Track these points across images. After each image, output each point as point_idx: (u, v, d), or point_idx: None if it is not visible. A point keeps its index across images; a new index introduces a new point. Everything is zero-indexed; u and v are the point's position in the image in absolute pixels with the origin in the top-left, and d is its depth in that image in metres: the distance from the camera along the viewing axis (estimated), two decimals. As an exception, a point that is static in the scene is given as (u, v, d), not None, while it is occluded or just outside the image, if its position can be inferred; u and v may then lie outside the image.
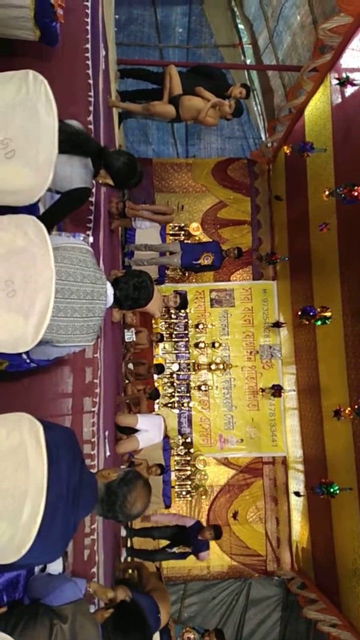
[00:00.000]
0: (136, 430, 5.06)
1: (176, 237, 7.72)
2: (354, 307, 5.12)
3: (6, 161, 1.89)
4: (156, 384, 7.63)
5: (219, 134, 8.51)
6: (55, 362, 2.46)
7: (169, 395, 7.66)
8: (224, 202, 8.17)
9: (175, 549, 5.66)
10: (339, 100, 5.44)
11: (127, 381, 6.54)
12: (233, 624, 7.29)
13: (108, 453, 4.19)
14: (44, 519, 1.52)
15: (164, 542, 6.20)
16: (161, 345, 7.77)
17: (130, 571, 5.65)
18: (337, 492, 5.22)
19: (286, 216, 7.41)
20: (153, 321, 7.71)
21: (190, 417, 7.72)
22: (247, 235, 8.14)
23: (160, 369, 7.19)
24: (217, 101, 5.34)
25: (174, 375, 7.75)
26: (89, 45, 3.70)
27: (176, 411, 7.70)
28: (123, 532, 6.15)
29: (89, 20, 3.73)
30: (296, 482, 7.19)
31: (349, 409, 5.04)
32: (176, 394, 7.71)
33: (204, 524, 7.10)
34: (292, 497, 7.22)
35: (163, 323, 7.85)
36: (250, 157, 8.28)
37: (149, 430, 5.10)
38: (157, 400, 7.36)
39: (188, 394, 7.74)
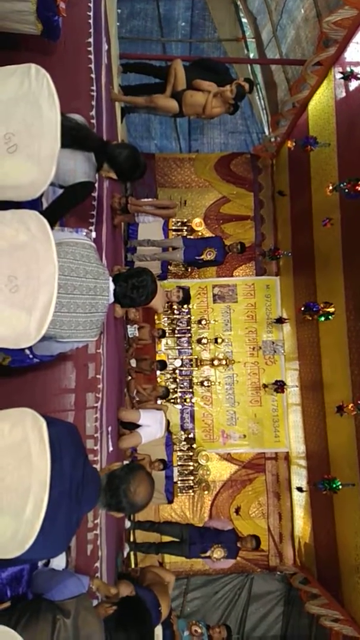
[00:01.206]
0: (138, 426, 5.07)
1: (179, 233, 7.70)
2: (357, 302, 5.10)
3: (9, 156, 1.88)
4: (159, 380, 7.64)
5: (222, 128, 8.47)
6: (58, 357, 2.46)
7: (171, 390, 7.66)
8: (227, 197, 8.14)
9: (209, 552, 5.66)
10: (343, 94, 5.41)
11: (129, 377, 6.54)
12: (235, 618, 7.32)
13: (111, 448, 4.20)
14: (47, 514, 1.52)
15: (166, 538, 6.21)
16: (164, 340, 7.77)
17: (133, 566, 5.67)
18: (340, 487, 5.23)
19: (289, 211, 7.38)
20: (156, 317, 7.71)
21: (193, 412, 7.73)
22: (250, 230, 8.12)
23: (162, 365, 7.19)
24: (218, 89, 5.30)
25: (177, 371, 7.75)
26: (91, 40, 3.68)
27: (179, 407, 7.71)
28: (127, 524, 6.14)
29: (91, 14, 3.71)
30: (299, 478, 7.20)
31: (352, 404, 5.03)
32: (179, 390, 7.72)
33: (206, 519, 7.15)
34: (295, 493, 7.23)
35: (166, 319, 7.84)
36: (254, 152, 8.24)
37: (151, 425, 5.11)
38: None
39: (191, 390, 7.74)
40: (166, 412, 5.85)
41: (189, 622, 5.32)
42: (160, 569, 4.93)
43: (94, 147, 2.41)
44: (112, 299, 2.24)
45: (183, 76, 5.29)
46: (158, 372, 7.57)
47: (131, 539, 6.43)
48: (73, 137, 2.26)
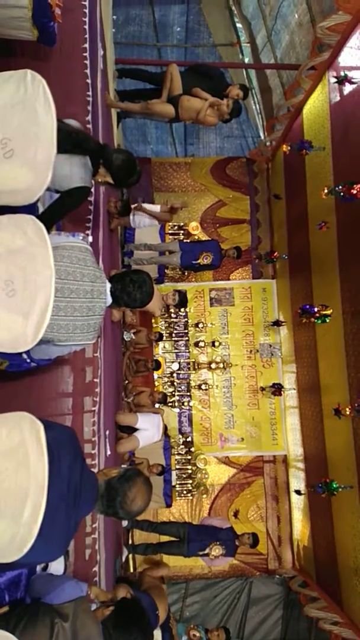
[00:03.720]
0: (136, 429, 5.07)
1: (175, 237, 7.73)
2: (353, 305, 5.12)
3: (5, 161, 1.89)
4: (156, 383, 7.63)
5: (218, 133, 8.51)
6: (56, 361, 2.47)
7: (169, 394, 7.66)
8: (223, 201, 8.17)
9: (207, 550, 5.67)
10: (338, 98, 5.44)
11: (126, 381, 6.54)
12: (235, 622, 7.29)
13: (109, 452, 4.19)
14: (45, 518, 1.52)
15: (165, 538, 6.19)
16: (161, 344, 7.77)
17: (131, 570, 5.65)
18: (338, 490, 5.23)
19: (285, 215, 7.41)
20: (153, 320, 7.71)
21: (191, 416, 7.72)
22: (246, 234, 8.14)
23: (157, 365, 7.18)
24: (215, 100, 5.34)
25: (174, 375, 7.75)
26: (87, 45, 3.69)
27: (176, 410, 7.70)
28: (124, 523, 6.11)
29: (86, 19, 3.73)
30: (297, 481, 7.20)
31: (349, 407, 5.04)
32: (176, 393, 7.71)
33: (205, 516, 7.15)
34: (293, 496, 7.22)
35: (163, 322, 7.85)
36: (249, 156, 8.28)
37: (149, 429, 5.11)
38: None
39: (188, 393, 7.74)
40: (163, 415, 5.84)
41: (187, 627, 5.31)
42: (154, 569, 4.91)
43: (92, 151, 2.43)
44: (109, 301, 2.24)
45: (179, 80, 5.32)
46: (155, 376, 7.57)
47: (129, 540, 6.40)
48: (73, 140, 2.27)
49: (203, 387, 7.71)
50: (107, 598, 2.91)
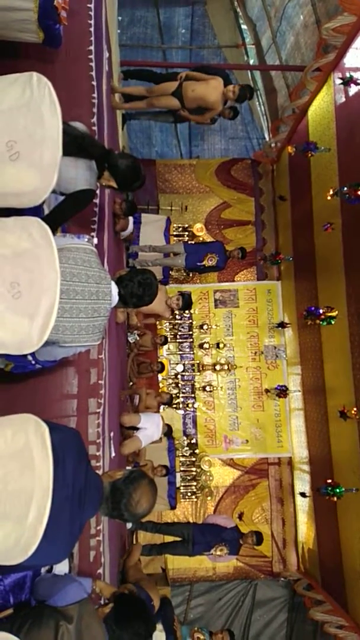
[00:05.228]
0: (138, 429, 5.09)
1: (180, 238, 7.72)
2: (359, 307, 5.10)
3: (11, 163, 1.90)
4: (161, 385, 7.62)
5: (223, 134, 8.52)
6: (60, 363, 2.47)
7: (174, 396, 7.65)
8: (227, 203, 8.17)
9: (212, 551, 5.70)
10: (343, 99, 5.43)
11: (131, 383, 6.53)
12: (239, 625, 7.26)
13: (113, 454, 4.19)
14: (50, 520, 1.52)
15: (169, 538, 6.19)
16: (165, 346, 7.77)
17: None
18: (343, 493, 5.21)
19: (290, 216, 7.40)
20: (157, 322, 7.71)
21: (195, 418, 7.71)
22: (251, 235, 8.13)
23: (161, 367, 7.17)
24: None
25: (179, 376, 7.75)
26: (92, 47, 3.70)
27: (181, 412, 7.69)
28: (129, 525, 6.10)
29: (92, 22, 3.74)
30: (302, 483, 7.17)
31: (355, 409, 5.02)
32: (181, 395, 7.71)
33: (210, 514, 7.15)
34: (298, 498, 7.20)
35: (167, 324, 7.84)
36: (254, 158, 8.27)
37: (148, 427, 5.12)
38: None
39: (193, 395, 7.73)
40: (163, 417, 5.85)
41: (192, 629, 5.29)
42: (133, 557, 4.83)
43: (97, 156, 2.43)
44: (114, 303, 2.25)
45: (165, 89, 5.25)
46: (160, 378, 7.56)
47: (134, 541, 6.39)
48: (79, 145, 2.28)
49: (207, 388, 7.69)
50: (112, 593, 2.91)
